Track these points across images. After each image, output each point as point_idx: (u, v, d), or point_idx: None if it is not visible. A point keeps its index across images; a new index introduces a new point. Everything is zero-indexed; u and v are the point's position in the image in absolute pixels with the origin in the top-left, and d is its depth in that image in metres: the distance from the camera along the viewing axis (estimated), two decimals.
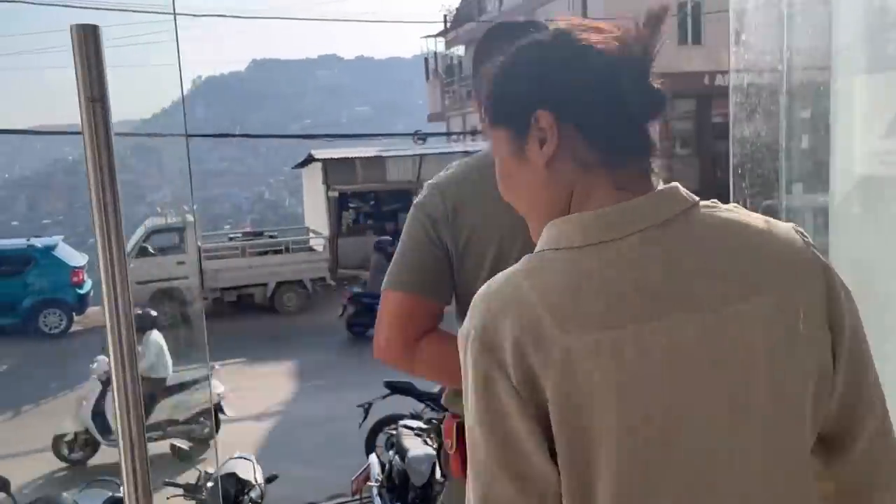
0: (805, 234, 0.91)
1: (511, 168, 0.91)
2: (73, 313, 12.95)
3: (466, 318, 0.84)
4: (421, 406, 7.31)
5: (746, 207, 1.10)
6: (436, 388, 7.50)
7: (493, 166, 0.96)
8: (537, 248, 0.87)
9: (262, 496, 4.73)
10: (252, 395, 9.95)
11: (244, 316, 13.95)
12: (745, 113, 2.00)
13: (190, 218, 13.54)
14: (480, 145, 19.98)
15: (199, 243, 13.61)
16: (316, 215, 17.59)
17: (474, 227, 1.38)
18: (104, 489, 5.09)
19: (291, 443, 7.99)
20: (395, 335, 1.42)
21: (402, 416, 6.88)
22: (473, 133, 24.82)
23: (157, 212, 14.01)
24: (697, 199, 0.87)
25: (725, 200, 0.94)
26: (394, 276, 1.43)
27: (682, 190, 0.87)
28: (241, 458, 5.41)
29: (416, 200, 1.44)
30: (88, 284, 13.43)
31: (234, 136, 16.56)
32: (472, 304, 0.84)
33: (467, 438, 0.84)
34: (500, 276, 0.85)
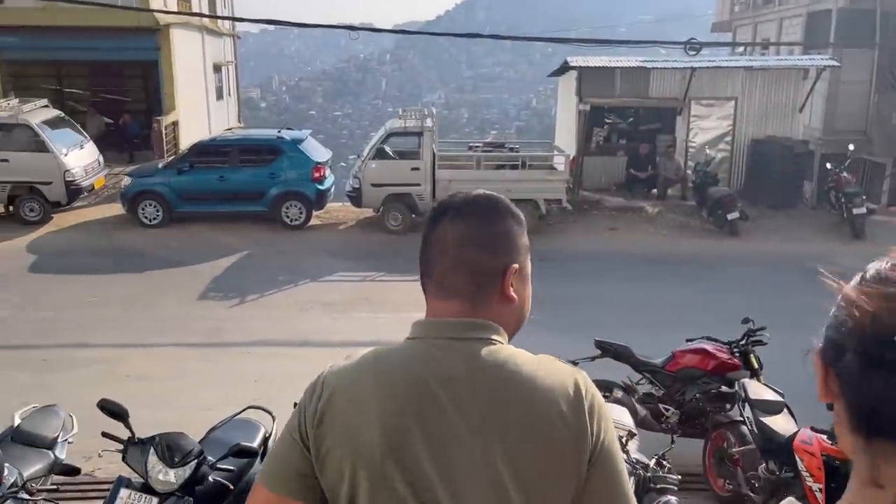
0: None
1: None
2: (313, 208, 13.21)
3: None
4: (637, 377, 6.03)
5: None
6: (658, 360, 6.12)
7: (392, 362, 1.30)
8: None
9: None
10: None
11: None
12: None
13: (429, 123, 12.98)
14: (765, 60, 16.99)
15: (436, 150, 13.04)
16: (567, 129, 16.26)
17: (335, 438, 1.28)
18: (251, 422, 4.54)
19: None
20: None
21: (610, 386, 5.69)
22: (764, 45, 21.34)
23: (398, 114, 13.65)
24: None
25: None
26: (265, 467, 1.38)
27: None
28: None
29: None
30: (329, 181, 13.62)
31: (489, 36, 15.58)
32: None
33: None
34: None
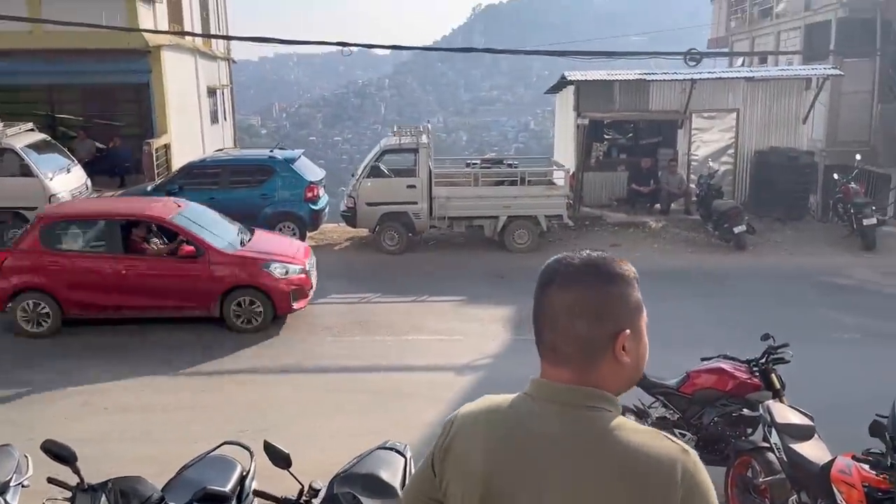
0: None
1: None
2: (306, 229, 12.82)
3: None
4: (650, 399, 5.60)
5: None
6: (672, 381, 5.68)
7: (500, 412, 1.44)
8: None
9: None
10: (460, 343, 8.90)
11: (471, 249, 12.96)
12: None
13: (424, 139, 12.65)
14: (767, 70, 16.69)
15: (432, 166, 12.69)
16: (565, 146, 15.94)
17: (453, 469, 1.47)
18: (226, 460, 4.07)
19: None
20: None
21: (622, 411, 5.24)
22: (763, 57, 21.13)
23: (392, 132, 13.31)
24: None
25: None
26: (407, 486, 1.61)
27: None
28: (392, 449, 4.02)
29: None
30: (323, 201, 13.25)
31: (485, 50, 15.37)
32: None
33: None
34: None
